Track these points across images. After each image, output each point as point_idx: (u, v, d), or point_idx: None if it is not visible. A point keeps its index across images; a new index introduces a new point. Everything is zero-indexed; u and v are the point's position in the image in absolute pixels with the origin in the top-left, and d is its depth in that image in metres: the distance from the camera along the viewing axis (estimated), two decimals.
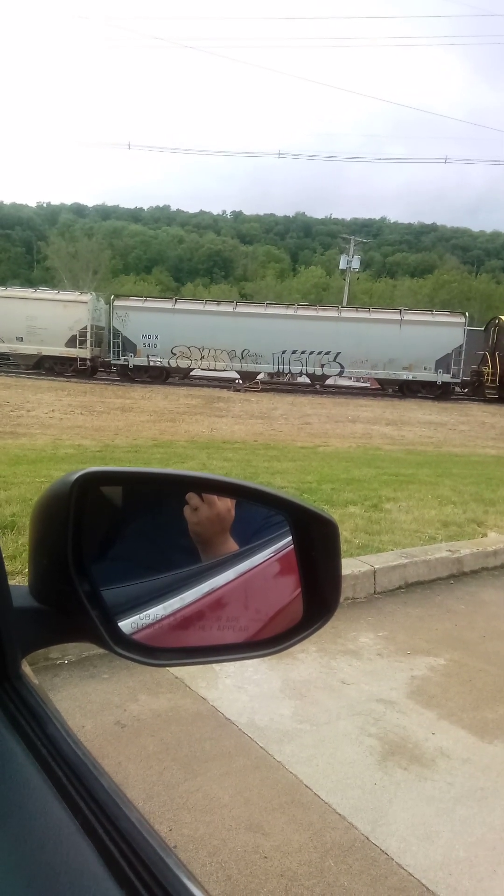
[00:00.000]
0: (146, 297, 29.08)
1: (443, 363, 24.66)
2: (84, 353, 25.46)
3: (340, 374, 25.85)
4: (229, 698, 2.82)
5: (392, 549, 4.65)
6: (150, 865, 0.40)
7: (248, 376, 26.10)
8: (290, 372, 26.28)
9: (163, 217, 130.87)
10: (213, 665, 3.00)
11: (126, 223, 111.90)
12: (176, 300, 27.80)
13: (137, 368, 25.59)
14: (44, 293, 27.41)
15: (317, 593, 0.75)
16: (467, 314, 26.84)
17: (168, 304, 26.54)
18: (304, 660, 3.24)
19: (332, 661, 3.27)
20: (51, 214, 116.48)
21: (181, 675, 2.95)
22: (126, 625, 0.68)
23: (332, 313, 26.07)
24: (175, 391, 21.89)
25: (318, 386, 25.69)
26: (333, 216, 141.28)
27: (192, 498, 0.73)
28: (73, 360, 25.44)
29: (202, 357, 25.62)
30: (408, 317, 25.55)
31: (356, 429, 14.86)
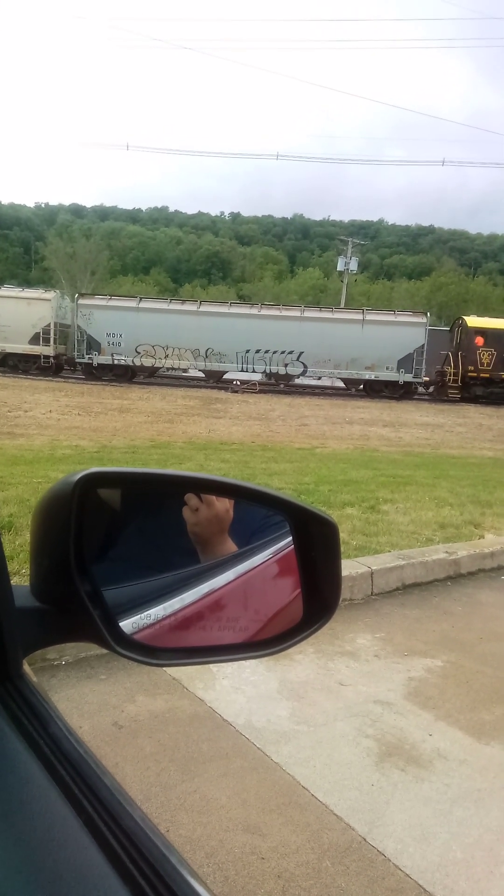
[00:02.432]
0: (111, 295, 29.14)
1: (405, 363, 24.78)
2: (48, 350, 25.56)
3: (304, 374, 25.94)
4: (227, 699, 2.82)
5: (389, 551, 4.65)
6: (154, 863, 0.40)
7: (212, 375, 26.16)
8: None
9: (161, 218, 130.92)
10: (211, 666, 3.00)
11: (124, 224, 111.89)
12: (140, 299, 27.71)
13: (102, 367, 25.62)
14: (7, 290, 27.39)
15: (317, 594, 0.75)
16: (429, 314, 27.01)
17: (132, 303, 26.56)
18: (302, 661, 3.24)
19: (329, 662, 3.27)
20: (49, 215, 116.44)
21: (178, 676, 2.95)
22: (127, 625, 0.68)
23: (295, 313, 26.15)
24: (173, 392, 21.88)
25: (282, 385, 25.65)
26: (332, 218, 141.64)
27: (190, 499, 0.73)
28: (37, 357, 25.54)
29: (166, 356, 25.62)
30: (370, 317, 25.70)
31: (353, 430, 14.87)
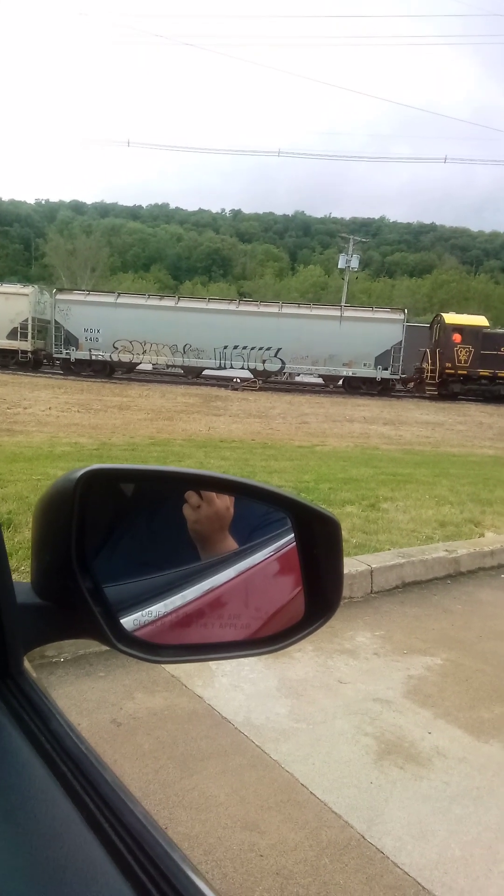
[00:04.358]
0: (89, 290, 29.14)
1: (382, 359, 24.79)
2: (25, 345, 25.59)
3: (281, 370, 25.95)
4: (225, 697, 2.82)
5: (389, 549, 4.66)
6: (156, 859, 0.40)
7: (190, 371, 26.14)
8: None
9: (161, 215, 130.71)
10: (210, 664, 3.01)
11: (125, 221, 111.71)
12: (119, 294, 27.77)
13: (80, 362, 25.63)
14: None
15: (318, 591, 0.75)
16: (406, 311, 27.02)
17: (110, 299, 26.58)
18: (301, 659, 3.24)
19: (328, 660, 3.28)
20: (49, 211, 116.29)
21: (177, 673, 2.96)
22: (128, 622, 0.68)
23: (273, 309, 26.18)
24: (172, 389, 21.87)
25: (260, 381, 25.69)
26: (333, 215, 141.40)
27: (191, 496, 0.73)
28: (15, 352, 25.58)
29: (144, 351, 25.64)
30: (348, 313, 25.77)
31: (354, 428, 14.87)
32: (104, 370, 25.76)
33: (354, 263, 44.01)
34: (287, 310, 26.08)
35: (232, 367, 25.96)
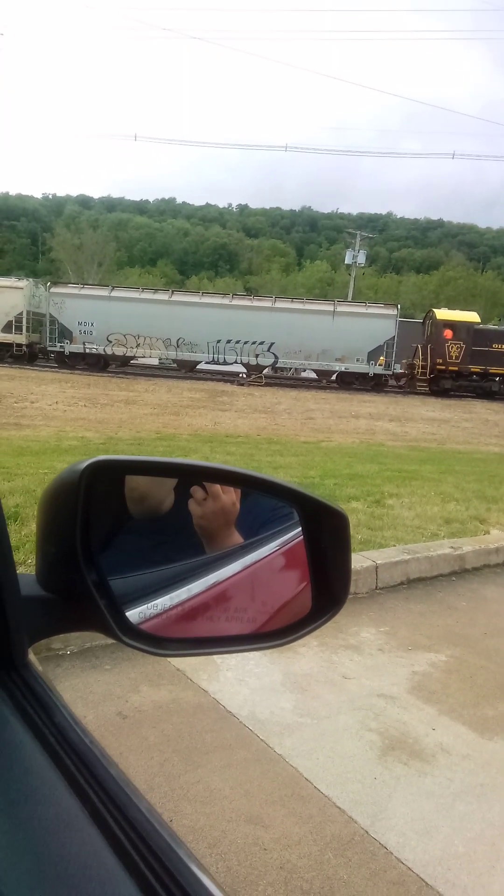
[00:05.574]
0: (83, 284, 29.09)
1: (375, 355, 24.69)
2: (20, 338, 25.63)
3: (274, 365, 25.87)
4: (230, 691, 2.83)
5: (394, 545, 4.64)
6: (160, 854, 0.39)
7: (184, 365, 26.11)
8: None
9: (168, 209, 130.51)
10: (215, 658, 3.01)
11: (131, 215, 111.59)
12: (113, 288, 27.72)
13: (74, 355, 25.64)
14: None
15: (326, 586, 0.74)
16: (399, 306, 26.90)
17: (104, 292, 26.57)
18: (306, 654, 3.24)
19: (333, 655, 3.27)
20: (56, 206, 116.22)
21: (183, 667, 2.96)
22: (133, 614, 0.67)
23: (266, 303, 26.12)
24: (178, 384, 21.88)
25: (252, 375, 25.61)
26: (340, 211, 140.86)
27: (196, 491, 0.73)
28: (10, 345, 25.60)
29: (138, 345, 25.62)
30: (341, 308, 25.63)
31: (359, 424, 14.84)
32: (98, 363, 25.76)
33: (361, 259, 43.82)
34: (280, 304, 26.00)
35: (225, 362, 25.94)
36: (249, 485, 0.76)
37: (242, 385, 23.76)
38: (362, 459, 8.96)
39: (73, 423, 11.32)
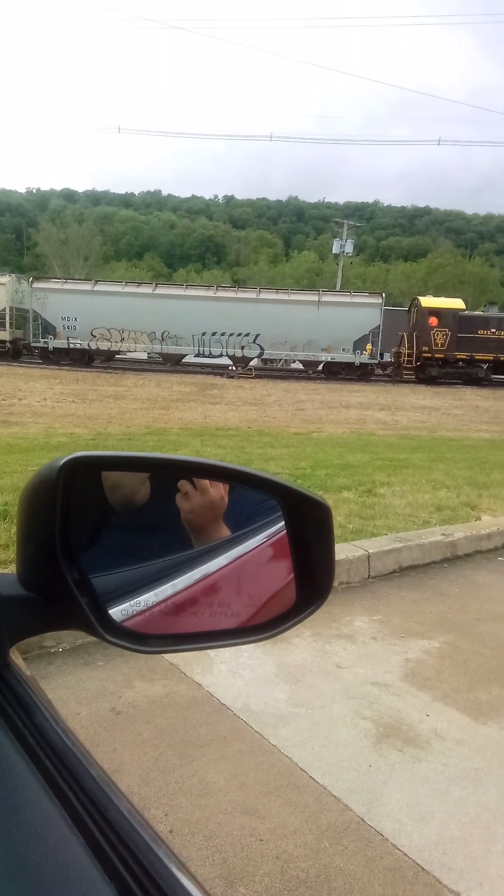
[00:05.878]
0: (66, 278, 28.85)
1: (361, 344, 24.71)
2: (4, 335, 25.49)
3: (260, 356, 25.86)
4: (224, 684, 2.83)
5: (386, 534, 4.66)
6: (141, 857, 0.39)
7: (169, 358, 26.03)
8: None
9: (154, 202, 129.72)
10: (209, 651, 3.01)
11: (117, 209, 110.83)
12: (96, 282, 27.57)
13: (58, 351, 25.49)
14: None
15: (310, 578, 0.74)
16: (384, 295, 26.92)
17: (87, 286, 26.44)
18: (299, 644, 3.25)
19: (326, 645, 3.28)
20: (41, 200, 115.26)
21: (176, 661, 2.96)
22: (116, 612, 0.66)
23: (251, 294, 26.10)
24: (168, 378, 21.80)
25: (240, 367, 25.60)
26: (327, 200, 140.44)
27: (184, 486, 0.72)
28: None
29: (122, 339, 25.47)
30: (326, 298, 25.64)
31: (350, 414, 14.86)
32: (83, 359, 25.62)
33: (349, 248, 43.73)
34: (265, 295, 25.96)
35: (211, 355, 25.84)
36: (231, 478, 0.75)
37: (232, 378, 23.72)
38: (353, 449, 8.97)
39: (62, 419, 11.26)
